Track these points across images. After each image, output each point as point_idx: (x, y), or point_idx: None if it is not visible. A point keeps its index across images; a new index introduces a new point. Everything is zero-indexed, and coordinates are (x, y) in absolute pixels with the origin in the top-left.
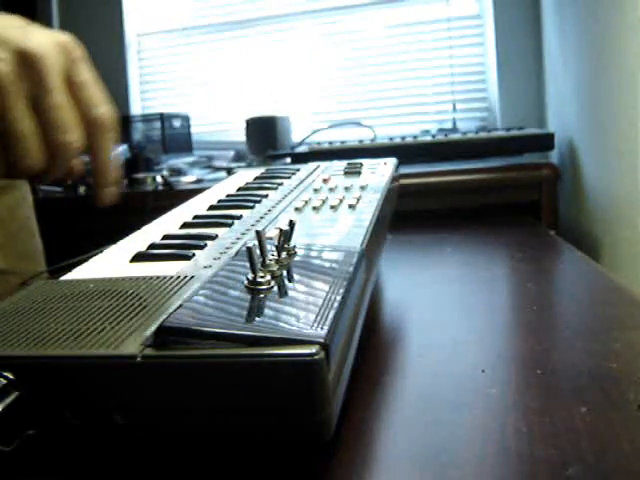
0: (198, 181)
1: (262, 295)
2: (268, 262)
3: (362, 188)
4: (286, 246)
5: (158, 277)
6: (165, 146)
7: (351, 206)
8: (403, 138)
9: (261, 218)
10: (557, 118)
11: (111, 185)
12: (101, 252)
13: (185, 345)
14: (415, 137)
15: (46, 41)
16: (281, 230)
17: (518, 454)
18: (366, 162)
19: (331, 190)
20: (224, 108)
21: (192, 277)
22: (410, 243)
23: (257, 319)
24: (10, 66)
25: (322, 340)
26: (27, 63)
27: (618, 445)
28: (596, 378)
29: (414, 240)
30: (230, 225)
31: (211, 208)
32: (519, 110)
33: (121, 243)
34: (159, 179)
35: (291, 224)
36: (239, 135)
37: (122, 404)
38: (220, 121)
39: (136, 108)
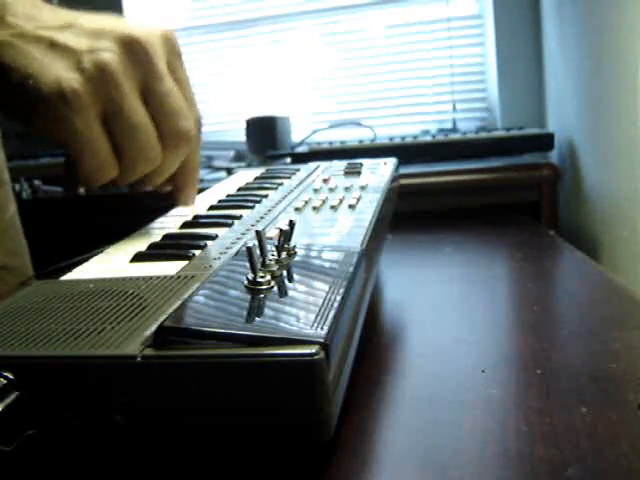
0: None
1: (262, 295)
2: (268, 262)
3: (362, 188)
4: (286, 246)
5: (158, 277)
6: None
7: (351, 206)
8: (403, 138)
9: (261, 218)
10: (557, 118)
11: (195, 185)
12: (101, 252)
13: (185, 345)
14: (415, 137)
15: (149, 29)
16: (281, 230)
17: (518, 454)
18: (366, 162)
19: (331, 190)
20: (224, 108)
21: (192, 277)
22: (410, 243)
23: (257, 319)
24: (117, 55)
25: (322, 340)
26: (133, 50)
27: (618, 445)
28: (596, 378)
29: (414, 240)
30: (230, 225)
31: (211, 208)
32: (519, 110)
33: (121, 243)
34: None
35: (291, 224)
36: (239, 135)
37: (122, 404)
38: (220, 121)
39: None
